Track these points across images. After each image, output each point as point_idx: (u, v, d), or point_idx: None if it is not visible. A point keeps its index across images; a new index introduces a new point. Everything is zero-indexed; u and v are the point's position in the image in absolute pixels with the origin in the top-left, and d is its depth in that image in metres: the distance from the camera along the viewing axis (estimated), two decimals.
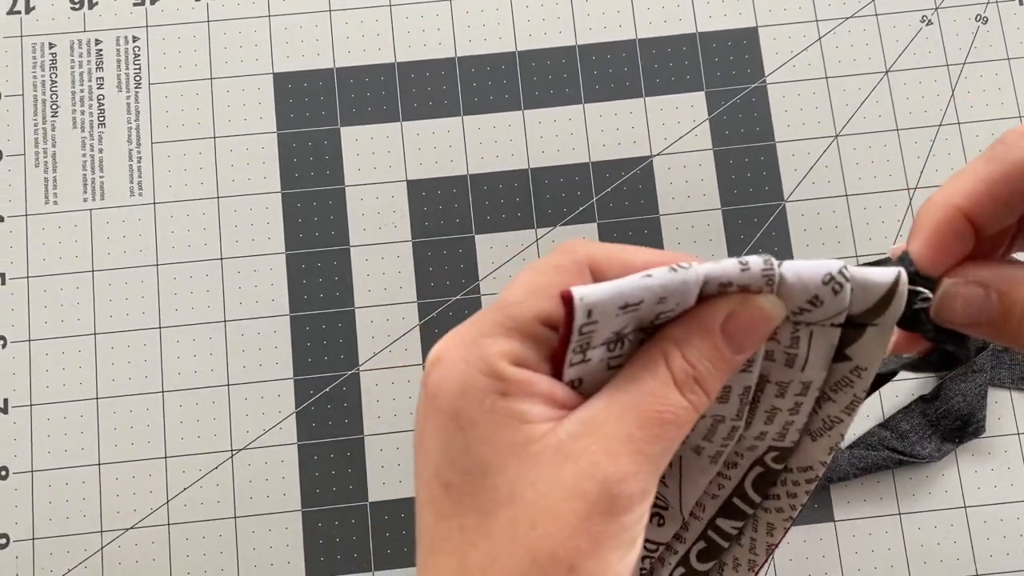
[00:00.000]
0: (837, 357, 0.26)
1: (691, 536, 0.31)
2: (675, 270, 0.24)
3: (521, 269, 0.26)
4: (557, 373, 0.25)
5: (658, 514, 0.30)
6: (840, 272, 0.24)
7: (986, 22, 0.51)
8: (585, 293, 0.23)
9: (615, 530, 0.23)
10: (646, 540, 0.30)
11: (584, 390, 0.25)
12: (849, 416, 0.27)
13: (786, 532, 0.30)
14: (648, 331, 0.26)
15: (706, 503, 0.30)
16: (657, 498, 0.30)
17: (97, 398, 0.46)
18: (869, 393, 0.27)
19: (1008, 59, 0.50)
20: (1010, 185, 0.26)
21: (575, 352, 0.24)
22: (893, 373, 0.29)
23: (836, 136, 0.49)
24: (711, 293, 0.25)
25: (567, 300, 0.23)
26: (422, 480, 0.25)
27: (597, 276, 0.25)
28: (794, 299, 0.25)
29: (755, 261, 0.24)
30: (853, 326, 0.26)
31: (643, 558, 0.31)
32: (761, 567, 0.31)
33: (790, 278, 0.25)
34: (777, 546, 0.30)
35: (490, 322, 0.24)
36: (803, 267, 0.25)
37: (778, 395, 0.27)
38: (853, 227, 0.48)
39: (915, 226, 0.27)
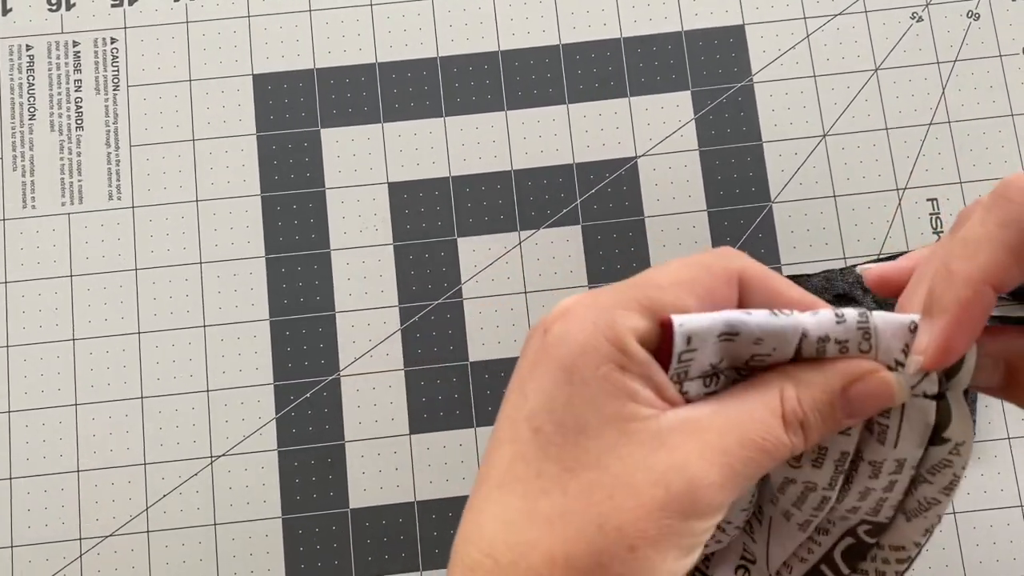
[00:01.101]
0: (934, 440, 0.26)
1: None
2: (775, 315, 0.25)
3: (671, 259, 0.26)
4: None
5: (744, 567, 0.30)
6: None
7: (978, 18, 0.50)
8: (684, 320, 0.24)
9: (682, 530, 0.24)
10: None
11: None
12: (948, 497, 0.27)
13: None
14: (743, 372, 0.26)
15: (794, 565, 0.29)
16: (744, 551, 0.30)
17: (76, 404, 0.46)
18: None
19: (1000, 56, 0.49)
20: None
21: (673, 381, 0.25)
22: None
23: (824, 136, 0.49)
24: (809, 352, 0.25)
25: (667, 326, 0.24)
26: (510, 419, 0.25)
27: (742, 294, 0.26)
28: (890, 352, 0.25)
29: (850, 314, 0.25)
30: (943, 398, 0.26)
31: None
32: None
33: (881, 327, 0.25)
34: None
35: (629, 296, 0.25)
36: (890, 316, 0.25)
37: (872, 476, 0.27)
38: (841, 228, 0.48)
39: (937, 305, 0.25)
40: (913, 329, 0.25)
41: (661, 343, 0.25)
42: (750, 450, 0.24)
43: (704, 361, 0.25)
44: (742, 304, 0.26)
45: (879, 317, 0.25)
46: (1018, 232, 0.25)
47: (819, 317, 0.25)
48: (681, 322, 0.24)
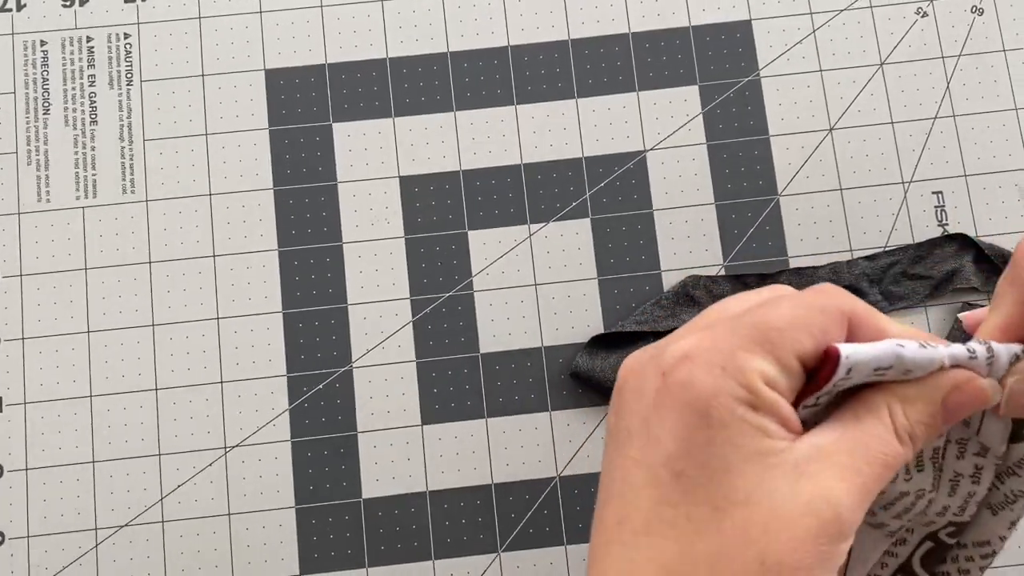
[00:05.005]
0: (1015, 438, 0.27)
1: None
2: (924, 347, 0.26)
3: (781, 292, 0.27)
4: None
5: None
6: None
7: (982, 13, 0.50)
8: (850, 352, 0.25)
9: (832, 553, 0.25)
10: None
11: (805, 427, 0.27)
12: None
13: None
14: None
15: None
16: None
17: (91, 396, 0.47)
18: None
19: (1004, 51, 0.50)
20: None
21: (816, 397, 0.26)
22: None
23: (830, 130, 0.49)
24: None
25: (833, 357, 0.25)
26: (643, 463, 0.26)
27: (850, 332, 0.27)
28: (997, 375, 0.27)
29: (979, 350, 0.27)
30: None
31: None
32: None
33: (1001, 357, 0.27)
34: None
35: (749, 339, 0.26)
36: (1004, 348, 0.27)
37: (958, 456, 0.28)
38: (848, 221, 0.48)
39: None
40: (1013, 362, 0.27)
41: (819, 367, 0.26)
42: (876, 466, 0.25)
43: (848, 385, 0.26)
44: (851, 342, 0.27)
45: (1000, 348, 0.27)
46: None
47: (953, 350, 0.26)
48: (847, 354, 0.25)
